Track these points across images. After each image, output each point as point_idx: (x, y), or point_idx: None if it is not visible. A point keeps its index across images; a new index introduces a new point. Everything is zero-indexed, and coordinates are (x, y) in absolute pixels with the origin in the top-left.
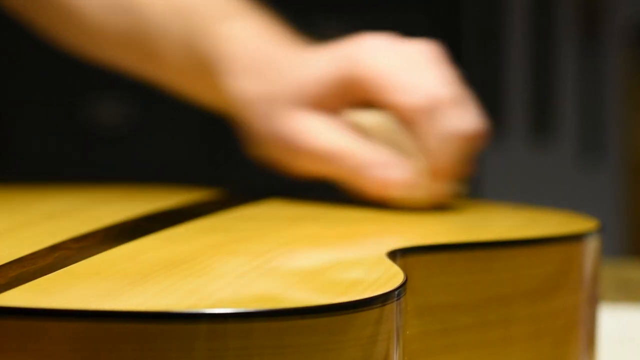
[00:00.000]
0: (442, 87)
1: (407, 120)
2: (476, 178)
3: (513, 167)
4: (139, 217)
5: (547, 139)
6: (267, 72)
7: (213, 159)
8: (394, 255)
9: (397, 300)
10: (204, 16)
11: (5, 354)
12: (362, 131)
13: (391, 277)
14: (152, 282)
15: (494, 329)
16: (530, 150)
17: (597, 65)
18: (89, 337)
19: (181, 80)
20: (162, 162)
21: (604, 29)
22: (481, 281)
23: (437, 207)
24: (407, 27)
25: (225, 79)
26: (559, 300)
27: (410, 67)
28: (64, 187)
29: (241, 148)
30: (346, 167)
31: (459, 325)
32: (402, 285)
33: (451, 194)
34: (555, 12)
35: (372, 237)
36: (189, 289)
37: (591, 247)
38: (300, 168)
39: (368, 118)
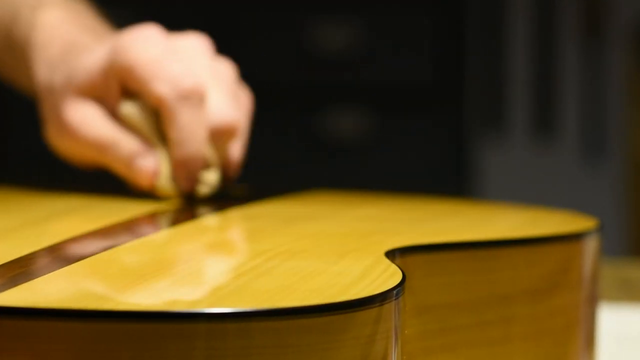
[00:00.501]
0: (199, 77)
1: (161, 109)
2: (478, 177)
3: (515, 166)
4: (138, 217)
5: (550, 139)
6: (60, 62)
7: None
8: (392, 254)
9: (395, 299)
10: (20, 3)
11: (3, 354)
12: (125, 121)
13: (390, 276)
14: (151, 282)
15: (494, 329)
16: (533, 150)
17: (599, 65)
18: (87, 337)
19: (2, 66)
20: None
21: (607, 29)
22: (481, 280)
23: (193, 197)
24: (412, 27)
25: (33, 67)
26: (558, 300)
27: (170, 58)
28: (65, 187)
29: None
30: (114, 157)
31: (458, 325)
32: (401, 285)
33: (203, 185)
34: (558, 12)
35: (370, 236)
36: (187, 289)
37: (591, 246)
38: (77, 157)
39: (126, 107)
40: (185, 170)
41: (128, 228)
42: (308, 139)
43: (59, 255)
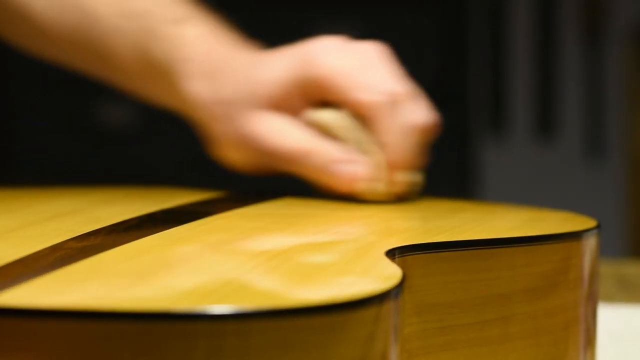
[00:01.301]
0: (396, 83)
1: (365, 117)
2: (479, 176)
3: (516, 166)
4: (140, 217)
5: (550, 139)
6: (221, 75)
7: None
8: (392, 253)
9: (394, 299)
10: (156, 19)
11: (5, 354)
12: (321, 129)
13: (389, 276)
14: (152, 282)
15: (493, 328)
16: (534, 150)
17: (599, 65)
18: (88, 336)
19: (134, 81)
20: (168, 162)
21: (607, 29)
22: (480, 280)
23: (399, 198)
24: (414, 29)
25: (181, 81)
26: (557, 299)
27: (363, 66)
28: (69, 188)
29: (204, 149)
30: (312, 165)
31: (457, 324)
32: (400, 284)
33: (411, 185)
34: (559, 13)
35: (370, 235)
36: (188, 289)
37: (590, 245)
38: (266, 167)
39: (326, 116)
40: (397, 172)
41: (129, 229)
42: None
43: (60, 255)
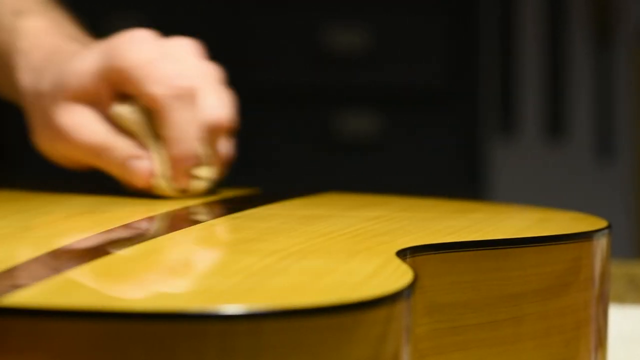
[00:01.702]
0: (192, 77)
1: (155, 109)
2: (489, 177)
3: (525, 167)
4: (150, 218)
5: (560, 140)
6: (45, 68)
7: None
8: (403, 254)
9: (406, 299)
10: (0, 10)
11: (18, 353)
12: (119, 123)
13: (401, 275)
14: (164, 282)
15: (504, 328)
16: (543, 151)
17: (609, 66)
18: (100, 337)
19: None
20: None
21: (617, 31)
22: (491, 280)
23: (190, 195)
24: (425, 30)
25: (15, 73)
26: (568, 299)
27: (162, 59)
28: (82, 188)
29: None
30: (110, 159)
31: (469, 324)
32: (412, 285)
33: (202, 182)
34: (570, 14)
35: (381, 236)
36: (199, 289)
37: (600, 246)
38: (69, 160)
39: (120, 110)
40: (181, 168)
41: (140, 229)
42: (321, 139)
43: (72, 256)
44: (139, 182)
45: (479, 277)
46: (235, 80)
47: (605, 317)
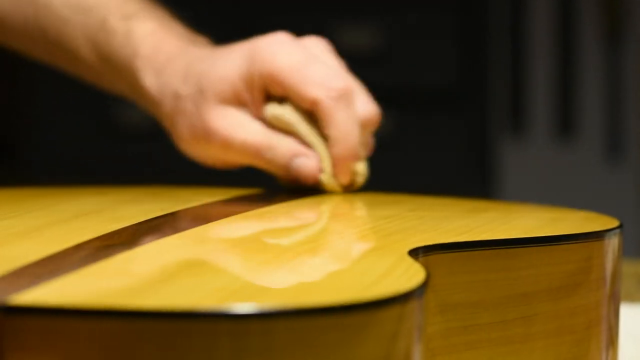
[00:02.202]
0: (340, 78)
1: (313, 111)
2: (499, 177)
3: (535, 166)
4: (163, 216)
5: (570, 139)
6: (169, 70)
7: None
8: (415, 253)
9: (418, 298)
10: (106, 13)
11: (31, 352)
12: (274, 124)
13: (413, 275)
14: (176, 280)
15: (516, 327)
16: (553, 150)
17: (619, 65)
18: (112, 335)
19: (96, 74)
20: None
21: (627, 30)
22: (503, 279)
23: (350, 189)
24: (434, 30)
25: (140, 76)
26: (580, 299)
27: (309, 61)
28: (92, 187)
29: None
30: (274, 158)
31: (480, 323)
32: (424, 284)
33: (359, 176)
34: (580, 13)
35: (393, 235)
36: (212, 288)
37: (611, 245)
38: (228, 161)
39: (277, 110)
40: (345, 165)
41: (153, 228)
42: None
43: (84, 254)
44: (307, 179)
45: (490, 277)
46: None
47: (616, 317)
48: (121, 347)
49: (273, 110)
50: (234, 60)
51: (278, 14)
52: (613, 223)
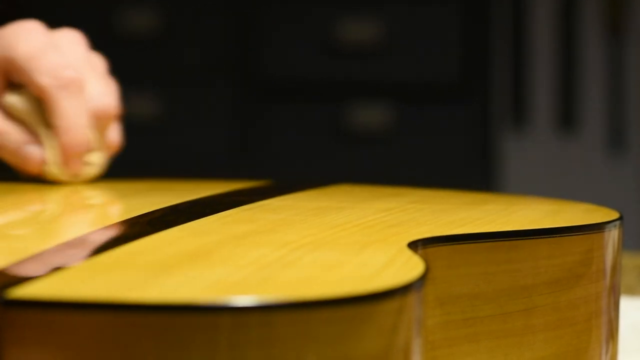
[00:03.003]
0: (77, 68)
1: (44, 99)
2: (501, 170)
3: (538, 159)
4: (165, 209)
5: (572, 132)
6: None
7: (242, 150)
8: (415, 245)
9: (417, 291)
10: None
11: (28, 346)
12: (9, 112)
13: (412, 267)
14: (176, 273)
15: (515, 319)
16: (555, 143)
17: (621, 59)
18: (112, 328)
19: None
20: (193, 154)
21: (629, 24)
22: (502, 271)
23: (81, 180)
24: (437, 23)
25: None
26: (580, 291)
27: (49, 50)
28: (94, 180)
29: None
30: (3, 145)
31: (480, 316)
32: (423, 276)
33: (92, 167)
34: (581, 8)
35: (393, 227)
36: (212, 281)
37: (612, 237)
38: None
39: (10, 99)
40: (72, 154)
41: (153, 220)
42: (333, 132)
43: (85, 247)
44: (32, 168)
45: (490, 269)
46: (247, 74)
47: (616, 309)
48: (120, 340)
49: (9, 98)
50: None
51: (282, 8)
52: (613, 215)
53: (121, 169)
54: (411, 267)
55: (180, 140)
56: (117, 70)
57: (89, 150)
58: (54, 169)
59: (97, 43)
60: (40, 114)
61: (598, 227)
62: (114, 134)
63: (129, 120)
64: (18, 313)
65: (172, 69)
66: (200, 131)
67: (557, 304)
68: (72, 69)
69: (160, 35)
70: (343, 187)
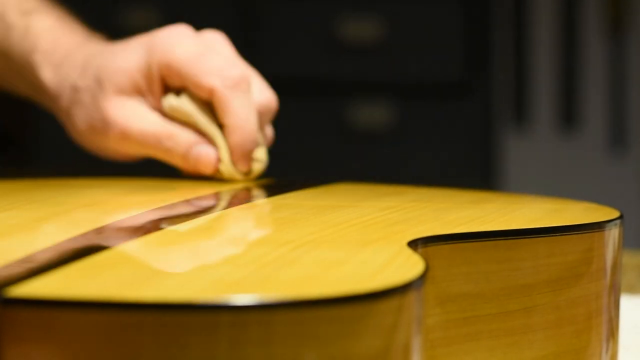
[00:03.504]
0: (236, 67)
1: (209, 100)
2: (503, 168)
3: (539, 158)
4: (163, 209)
5: (573, 131)
6: (67, 64)
7: None
8: (415, 244)
9: (417, 289)
10: (1, 8)
11: (28, 344)
12: (171, 114)
13: (412, 266)
14: (175, 272)
15: (516, 318)
16: (556, 142)
17: (623, 58)
18: (111, 327)
19: None
20: None
21: (630, 22)
22: (503, 270)
23: (251, 176)
24: (440, 20)
25: (36, 72)
26: (580, 290)
27: (206, 52)
28: (92, 179)
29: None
30: (173, 148)
31: (480, 314)
32: (423, 275)
33: (259, 163)
34: (583, 6)
35: (393, 226)
36: (212, 279)
37: (612, 236)
38: (124, 151)
39: (174, 102)
40: (245, 152)
41: (153, 219)
42: (335, 130)
43: (83, 246)
44: (206, 168)
45: (490, 268)
46: None
47: (616, 308)
48: (120, 338)
49: (171, 101)
50: (132, 53)
51: (284, 6)
52: (613, 214)
53: (121, 169)
54: (411, 266)
55: None
56: None
57: (257, 146)
58: (227, 168)
59: None
60: (206, 114)
61: (598, 226)
62: (269, 128)
63: None
64: (17, 311)
65: None
66: None
67: (557, 303)
68: (236, 68)
69: None
70: (344, 185)
